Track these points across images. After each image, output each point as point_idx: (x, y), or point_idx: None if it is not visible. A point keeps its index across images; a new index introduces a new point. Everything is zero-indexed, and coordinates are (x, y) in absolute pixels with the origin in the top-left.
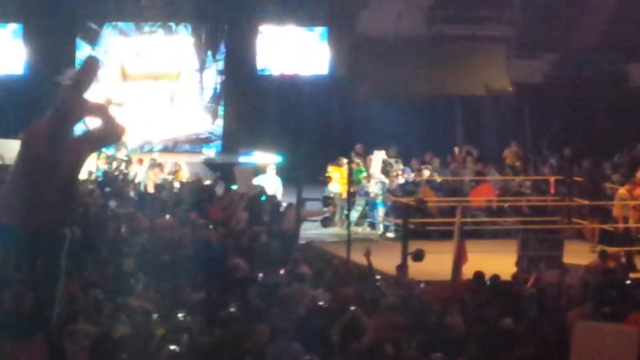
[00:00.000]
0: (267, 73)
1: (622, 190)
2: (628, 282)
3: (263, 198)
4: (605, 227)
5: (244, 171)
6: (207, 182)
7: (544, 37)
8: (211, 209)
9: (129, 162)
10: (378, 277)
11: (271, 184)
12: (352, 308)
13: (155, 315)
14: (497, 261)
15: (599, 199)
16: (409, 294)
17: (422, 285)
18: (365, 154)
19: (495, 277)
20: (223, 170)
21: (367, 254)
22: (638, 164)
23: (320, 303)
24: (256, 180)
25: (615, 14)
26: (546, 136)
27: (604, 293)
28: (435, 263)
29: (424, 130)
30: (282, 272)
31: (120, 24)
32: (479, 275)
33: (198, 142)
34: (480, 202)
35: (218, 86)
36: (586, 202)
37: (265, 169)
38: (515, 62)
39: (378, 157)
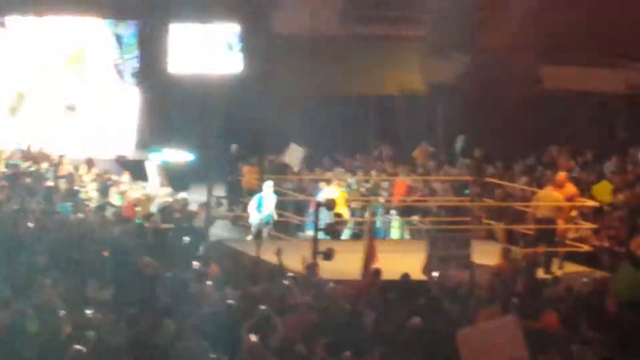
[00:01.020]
0: (179, 71)
1: (544, 192)
2: (536, 281)
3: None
4: (518, 228)
5: (155, 168)
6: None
7: (457, 37)
8: (124, 206)
9: (41, 157)
10: (288, 275)
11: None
12: (262, 307)
13: (62, 312)
14: (407, 260)
15: (510, 201)
16: (319, 293)
17: (331, 284)
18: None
19: (405, 276)
20: (134, 167)
21: (279, 253)
22: (551, 166)
23: (229, 301)
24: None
25: (528, 16)
26: (459, 137)
27: (511, 293)
28: (346, 262)
29: (337, 130)
30: (191, 270)
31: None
32: (378, 272)
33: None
34: (394, 201)
35: (130, 83)
36: (495, 203)
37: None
38: (428, 63)
39: (294, 153)
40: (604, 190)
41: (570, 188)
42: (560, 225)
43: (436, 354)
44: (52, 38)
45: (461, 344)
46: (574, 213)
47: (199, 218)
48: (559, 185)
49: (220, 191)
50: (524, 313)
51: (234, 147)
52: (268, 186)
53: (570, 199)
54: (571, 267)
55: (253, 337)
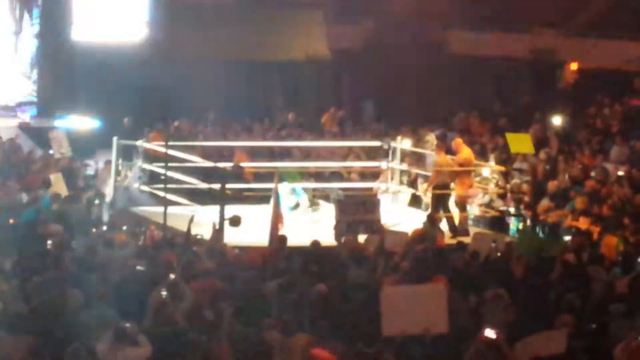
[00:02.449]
0: (83, 37)
1: (441, 158)
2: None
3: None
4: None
5: (59, 136)
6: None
7: (362, 3)
8: (27, 175)
9: None
10: (196, 242)
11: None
12: (172, 276)
13: None
14: (317, 226)
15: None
16: (225, 259)
17: (236, 251)
18: None
19: (315, 243)
20: (39, 135)
21: (191, 220)
22: (462, 132)
23: (138, 268)
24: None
25: None
26: (365, 102)
27: (420, 258)
28: (253, 228)
29: (244, 96)
30: (97, 237)
31: None
32: (283, 239)
33: (13, 107)
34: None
35: (34, 50)
36: (405, 167)
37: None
38: (333, 28)
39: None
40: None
41: (464, 153)
42: (459, 190)
43: (342, 319)
44: None
45: (383, 302)
46: (469, 179)
47: (105, 185)
48: (454, 151)
49: (127, 158)
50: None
51: (125, 120)
52: None
53: (464, 164)
54: (479, 232)
55: (163, 294)
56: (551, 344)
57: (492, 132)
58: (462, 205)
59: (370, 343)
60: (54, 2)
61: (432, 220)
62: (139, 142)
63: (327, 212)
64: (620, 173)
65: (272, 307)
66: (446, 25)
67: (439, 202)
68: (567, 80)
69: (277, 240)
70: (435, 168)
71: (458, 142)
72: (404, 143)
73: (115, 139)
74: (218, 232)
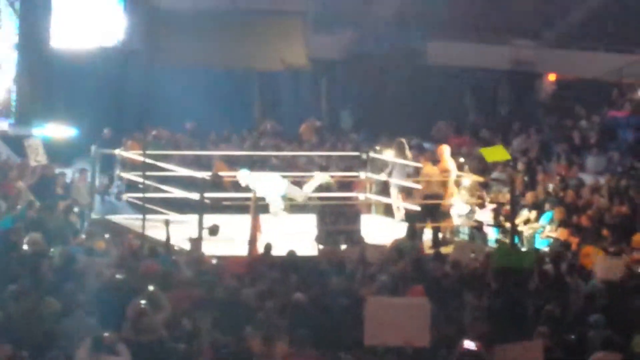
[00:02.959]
0: (61, 45)
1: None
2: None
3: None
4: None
5: (34, 144)
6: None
7: (341, 12)
8: (5, 182)
9: None
10: (175, 251)
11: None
12: (150, 288)
13: None
14: (296, 236)
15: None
16: (203, 268)
17: (214, 261)
18: None
19: (291, 252)
20: (16, 143)
21: (167, 223)
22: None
23: (118, 276)
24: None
25: None
26: (344, 112)
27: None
28: (232, 237)
29: (222, 104)
30: (76, 245)
31: None
32: (268, 247)
33: None
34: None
35: (11, 58)
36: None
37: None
38: (313, 38)
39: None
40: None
41: (445, 163)
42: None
43: (321, 329)
44: None
45: (367, 312)
46: (450, 188)
47: (80, 193)
48: (435, 160)
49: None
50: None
51: (106, 131)
52: None
53: (444, 173)
54: (459, 242)
55: (142, 303)
56: (528, 355)
57: (470, 142)
58: (445, 214)
59: (350, 351)
60: (31, 10)
61: (412, 233)
62: (117, 151)
63: (306, 222)
64: (600, 183)
65: (252, 315)
66: (425, 35)
67: (428, 212)
68: (545, 91)
69: (263, 247)
70: (424, 179)
71: (441, 150)
72: (386, 153)
73: (93, 147)
74: (196, 242)
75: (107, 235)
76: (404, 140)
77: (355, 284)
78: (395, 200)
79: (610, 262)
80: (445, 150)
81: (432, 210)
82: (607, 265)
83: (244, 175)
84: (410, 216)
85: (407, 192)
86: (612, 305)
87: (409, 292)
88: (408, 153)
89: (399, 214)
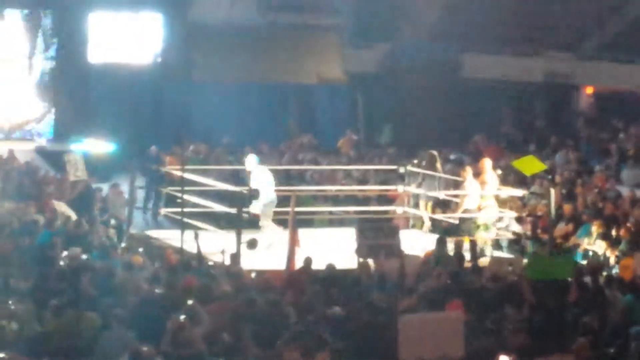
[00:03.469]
0: (99, 60)
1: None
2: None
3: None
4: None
5: (74, 159)
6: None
7: (377, 26)
8: (42, 197)
9: None
10: (212, 265)
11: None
12: (190, 302)
13: None
14: (334, 250)
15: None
16: (242, 282)
17: (253, 275)
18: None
19: (330, 266)
20: (55, 158)
21: (196, 237)
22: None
23: (157, 291)
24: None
25: (448, 4)
26: (384, 126)
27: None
28: (270, 251)
29: (257, 119)
30: (115, 261)
31: None
32: (309, 262)
33: (29, 130)
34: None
35: (50, 73)
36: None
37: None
38: (349, 52)
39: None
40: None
41: (484, 176)
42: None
43: (359, 342)
44: None
45: (402, 329)
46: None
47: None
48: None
49: (141, 182)
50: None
51: (152, 148)
52: None
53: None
54: (496, 256)
55: (181, 317)
56: None
57: (507, 155)
58: (484, 227)
59: None
60: (70, 25)
61: (442, 242)
62: (156, 166)
63: (344, 236)
64: (638, 195)
65: (292, 328)
66: (461, 48)
67: (464, 225)
68: (582, 103)
69: (302, 261)
70: (465, 192)
71: (482, 164)
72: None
73: (132, 162)
74: (235, 256)
75: (144, 250)
76: (435, 152)
77: (394, 297)
78: (424, 211)
79: None
80: (486, 164)
81: (468, 223)
82: None
83: (252, 160)
84: (443, 229)
85: (442, 205)
86: None
87: (448, 306)
88: (439, 165)
89: (426, 225)
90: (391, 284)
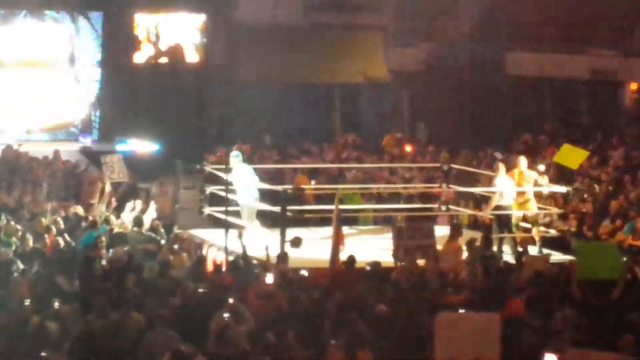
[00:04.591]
0: (144, 61)
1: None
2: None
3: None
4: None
5: (110, 161)
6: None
7: (420, 25)
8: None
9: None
10: (255, 263)
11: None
12: (231, 300)
13: (27, 303)
14: (377, 247)
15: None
16: (287, 280)
17: (302, 272)
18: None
19: (375, 264)
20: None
21: (240, 235)
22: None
23: (200, 290)
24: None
25: (490, 3)
26: (422, 124)
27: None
28: (314, 250)
29: (302, 118)
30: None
31: None
32: (352, 261)
33: (75, 131)
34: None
35: (94, 75)
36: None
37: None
38: (392, 51)
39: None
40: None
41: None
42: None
43: (401, 341)
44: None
45: (437, 328)
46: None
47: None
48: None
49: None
50: (488, 300)
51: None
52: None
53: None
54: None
55: (225, 316)
56: None
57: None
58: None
59: None
60: (114, 27)
61: (488, 244)
62: (200, 166)
63: (387, 235)
64: None
65: (335, 326)
66: (504, 46)
67: (500, 222)
68: (627, 100)
69: (345, 261)
70: (496, 189)
71: (518, 161)
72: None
73: (177, 162)
74: (281, 254)
75: (188, 249)
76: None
77: (434, 297)
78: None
79: None
80: (522, 161)
81: (503, 220)
82: None
83: (234, 156)
84: (483, 226)
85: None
86: None
87: (508, 305)
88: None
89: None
90: (430, 284)
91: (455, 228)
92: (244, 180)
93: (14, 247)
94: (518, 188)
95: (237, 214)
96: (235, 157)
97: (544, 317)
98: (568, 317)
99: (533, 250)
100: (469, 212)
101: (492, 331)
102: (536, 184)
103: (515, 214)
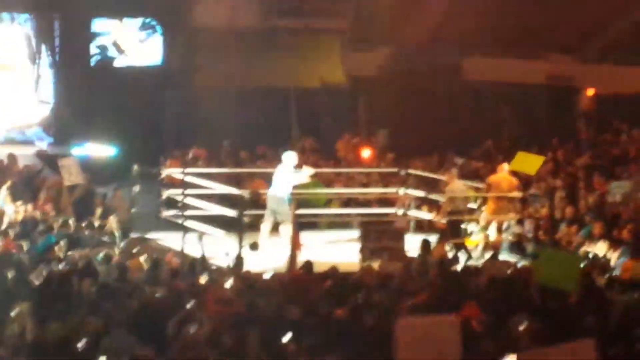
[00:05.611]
0: (101, 64)
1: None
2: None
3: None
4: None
5: (67, 164)
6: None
7: (378, 30)
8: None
9: None
10: (213, 267)
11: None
12: (190, 305)
13: None
14: (336, 252)
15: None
16: (244, 285)
17: (265, 276)
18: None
19: (333, 269)
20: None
21: (200, 238)
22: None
23: (157, 295)
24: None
25: (448, 9)
26: (380, 130)
27: (439, 283)
28: (272, 253)
29: (259, 122)
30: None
31: None
32: (310, 265)
33: (30, 135)
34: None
35: (51, 78)
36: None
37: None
38: (350, 55)
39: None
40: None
41: (490, 179)
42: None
43: (363, 344)
44: None
45: (399, 333)
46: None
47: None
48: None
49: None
50: (445, 304)
51: (135, 167)
52: None
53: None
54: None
55: (192, 329)
56: (580, 354)
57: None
58: (485, 229)
59: None
60: (72, 31)
61: (426, 248)
62: (156, 170)
63: (347, 238)
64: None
65: (295, 331)
66: (462, 51)
67: (453, 228)
68: (584, 106)
69: (304, 264)
70: (447, 195)
71: (500, 167)
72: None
73: (134, 166)
74: (238, 258)
75: (144, 253)
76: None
77: (395, 299)
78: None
79: None
80: (504, 167)
81: (455, 226)
82: None
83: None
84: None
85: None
86: None
87: (465, 308)
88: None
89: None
90: (393, 286)
91: (445, 233)
92: (283, 181)
93: None
94: (467, 194)
95: (195, 217)
96: (286, 158)
97: (502, 321)
98: (526, 320)
99: (488, 255)
100: (426, 216)
101: (452, 334)
102: (511, 188)
103: (480, 218)
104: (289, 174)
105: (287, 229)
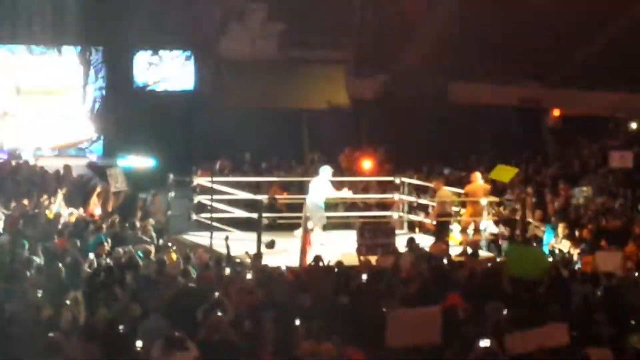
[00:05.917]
0: (141, 87)
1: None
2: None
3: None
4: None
5: (114, 173)
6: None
7: (377, 60)
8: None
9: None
10: (236, 262)
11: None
12: (216, 294)
13: (39, 295)
14: (341, 249)
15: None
16: (263, 276)
17: (282, 269)
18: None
19: (339, 263)
20: (104, 172)
21: (226, 239)
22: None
23: (190, 285)
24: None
25: (436, 42)
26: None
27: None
28: (286, 251)
29: (275, 138)
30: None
31: (12, 46)
32: (319, 259)
33: (83, 148)
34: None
35: (99, 100)
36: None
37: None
38: (352, 81)
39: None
40: (505, 172)
41: (470, 186)
42: (464, 217)
43: (362, 327)
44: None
45: (388, 323)
46: (472, 208)
47: (157, 215)
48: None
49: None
50: (432, 294)
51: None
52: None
53: (467, 194)
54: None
55: (218, 314)
56: (555, 335)
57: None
58: (465, 229)
59: (389, 351)
60: (117, 60)
61: (411, 244)
62: (189, 178)
63: (349, 237)
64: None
65: (305, 317)
66: (448, 78)
67: (442, 229)
68: (551, 124)
69: (313, 259)
70: (437, 200)
71: (473, 176)
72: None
73: (170, 175)
74: (257, 255)
75: (178, 250)
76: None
77: (390, 290)
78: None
79: (609, 255)
80: (477, 176)
81: (444, 228)
82: (607, 258)
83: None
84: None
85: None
86: (608, 304)
87: (448, 298)
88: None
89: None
90: (386, 277)
91: (443, 229)
92: (319, 190)
93: (27, 247)
94: (456, 199)
95: (221, 219)
96: (323, 172)
97: (480, 308)
98: (499, 308)
99: (469, 251)
100: (418, 218)
101: (433, 321)
102: (485, 193)
103: (463, 220)
104: (324, 186)
105: (316, 232)
